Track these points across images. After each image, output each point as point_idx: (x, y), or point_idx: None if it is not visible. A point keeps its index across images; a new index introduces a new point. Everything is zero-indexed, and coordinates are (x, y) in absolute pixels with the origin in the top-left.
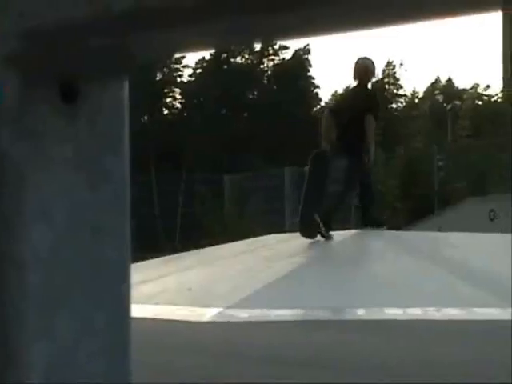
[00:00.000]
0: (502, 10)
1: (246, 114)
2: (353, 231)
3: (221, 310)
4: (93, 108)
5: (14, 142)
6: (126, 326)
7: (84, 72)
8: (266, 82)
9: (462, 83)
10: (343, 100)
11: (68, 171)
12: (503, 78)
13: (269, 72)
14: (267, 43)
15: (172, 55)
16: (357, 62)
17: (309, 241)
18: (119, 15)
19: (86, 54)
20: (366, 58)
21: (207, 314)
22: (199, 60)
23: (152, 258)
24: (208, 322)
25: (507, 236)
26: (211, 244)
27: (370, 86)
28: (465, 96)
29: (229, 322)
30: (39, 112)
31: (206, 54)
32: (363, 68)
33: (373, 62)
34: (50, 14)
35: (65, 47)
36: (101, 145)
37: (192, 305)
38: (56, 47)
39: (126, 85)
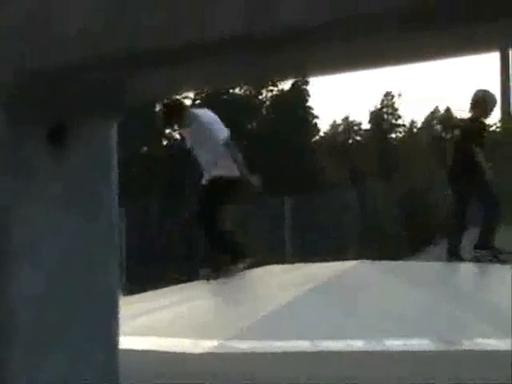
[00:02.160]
0: (500, 52)
1: (244, 144)
2: (354, 262)
3: (222, 341)
4: (82, 146)
5: (1, 177)
6: (116, 357)
7: (73, 114)
8: (264, 112)
9: (460, 113)
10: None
11: (57, 207)
12: (501, 111)
13: (267, 102)
14: (268, 81)
15: (166, 96)
16: (476, 94)
17: (310, 272)
18: (110, 58)
19: (74, 97)
20: (485, 90)
21: (209, 345)
22: (198, 91)
23: (151, 288)
24: (209, 354)
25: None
26: None
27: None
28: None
29: (229, 353)
30: (28, 149)
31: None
32: (480, 101)
33: (493, 96)
34: (39, 57)
35: (53, 90)
36: (90, 181)
37: (193, 336)
38: (43, 89)
39: (115, 124)
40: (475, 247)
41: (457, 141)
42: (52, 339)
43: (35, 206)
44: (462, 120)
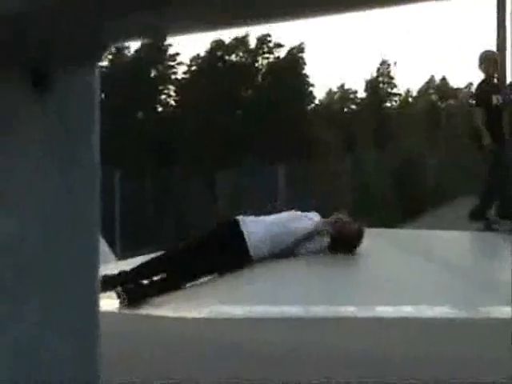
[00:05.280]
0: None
1: (240, 112)
2: None
3: (215, 306)
4: (63, 93)
5: None
6: (95, 310)
7: (54, 57)
8: (260, 80)
9: (456, 82)
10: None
11: (36, 155)
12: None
13: (263, 70)
14: (255, 25)
15: (143, 38)
16: (482, 55)
17: None
18: (89, 1)
19: (55, 40)
20: (489, 50)
21: (202, 310)
22: (194, 57)
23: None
24: (204, 319)
25: (498, 234)
26: None
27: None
28: (459, 95)
29: (223, 318)
30: (7, 95)
31: (201, 52)
32: (488, 61)
33: (496, 54)
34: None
35: (34, 32)
36: (70, 130)
37: (188, 302)
38: (25, 32)
39: (97, 71)
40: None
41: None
42: (28, 290)
43: (13, 153)
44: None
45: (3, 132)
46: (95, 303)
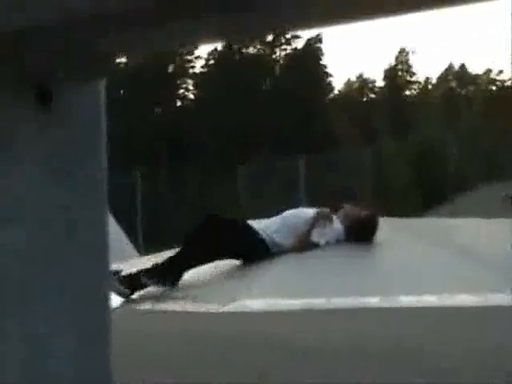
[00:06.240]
0: None
1: (258, 104)
2: None
3: (240, 300)
4: (67, 107)
5: None
6: (106, 310)
7: (57, 73)
8: (278, 71)
9: (475, 69)
10: None
11: (40, 170)
12: None
13: (281, 62)
14: (264, 36)
15: (143, 53)
16: None
17: None
18: (91, 17)
19: (58, 56)
20: None
21: (227, 305)
22: (211, 51)
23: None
24: (230, 313)
25: None
26: None
27: None
28: (478, 81)
29: (246, 312)
30: (10, 110)
31: (218, 45)
32: None
33: None
34: (21, 16)
35: (36, 49)
36: (75, 143)
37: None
38: (27, 49)
39: (103, 83)
40: None
41: None
42: (34, 301)
43: (16, 168)
44: None
45: (2, 147)
46: (106, 303)
